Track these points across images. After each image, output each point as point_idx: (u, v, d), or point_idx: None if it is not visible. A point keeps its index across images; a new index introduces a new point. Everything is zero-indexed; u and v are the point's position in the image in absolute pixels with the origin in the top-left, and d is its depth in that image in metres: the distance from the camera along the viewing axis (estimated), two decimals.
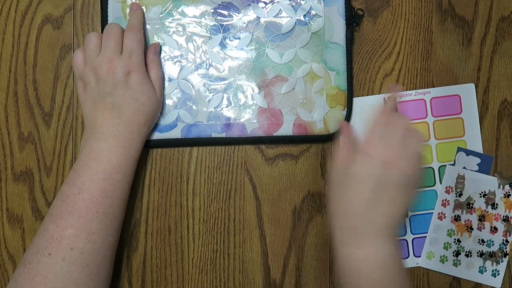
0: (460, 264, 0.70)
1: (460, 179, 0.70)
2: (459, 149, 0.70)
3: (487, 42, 0.72)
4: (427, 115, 0.70)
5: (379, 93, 0.71)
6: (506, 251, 0.71)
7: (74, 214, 0.58)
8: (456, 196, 0.70)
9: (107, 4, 0.69)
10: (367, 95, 0.71)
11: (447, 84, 0.72)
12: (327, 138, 0.71)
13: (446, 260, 0.70)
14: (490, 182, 0.70)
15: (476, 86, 0.72)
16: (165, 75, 0.69)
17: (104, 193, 0.60)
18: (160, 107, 0.67)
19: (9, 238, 0.70)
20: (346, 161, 0.58)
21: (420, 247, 0.70)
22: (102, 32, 0.68)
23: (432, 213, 0.70)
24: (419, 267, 0.71)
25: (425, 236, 0.70)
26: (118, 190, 0.62)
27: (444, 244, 0.70)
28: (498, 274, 0.71)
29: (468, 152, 0.70)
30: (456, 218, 0.70)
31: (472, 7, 0.72)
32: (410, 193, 0.56)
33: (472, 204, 0.70)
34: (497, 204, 0.70)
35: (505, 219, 0.70)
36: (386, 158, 0.55)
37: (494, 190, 0.70)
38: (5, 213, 0.70)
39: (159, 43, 0.68)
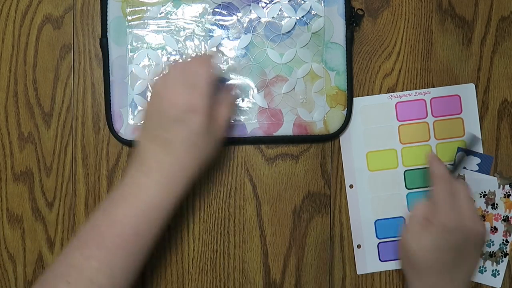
0: None
1: (460, 179, 0.70)
2: (459, 149, 0.70)
3: (487, 42, 0.72)
4: (427, 115, 0.70)
5: (379, 93, 0.71)
6: (506, 251, 0.71)
7: (101, 247, 0.55)
8: None
9: (107, 3, 0.69)
10: (367, 95, 0.71)
11: (447, 84, 0.72)
12: (327, 138, 0.71)
13: None
14: (490, 182, 0.70)
15: (476, 86, 0.72)
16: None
17: (137, 231, 0.57)
18: (217, 150, 0.62)
19: (9, 238, 0.70)
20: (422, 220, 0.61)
21: None
22: (102, 33, 0.68)
23: None
24: None
25: None
26: (152, 228, 0.58)
27: None
28: (498, 274, 0.71)
29: (468, 152, 0.70)
30: None
31: (472, 7, 0.72)
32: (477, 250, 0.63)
33: None
34: (497, 204, 0.70)
35: (505, 219, 0.70)
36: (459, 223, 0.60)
37: (494, 190, 0.70)
38: (5, 213, 0.70)
39: (236, 86, 0.68)
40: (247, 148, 0.71)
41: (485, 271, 0.71)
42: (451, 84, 0.72)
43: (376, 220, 0.70)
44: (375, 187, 0.70)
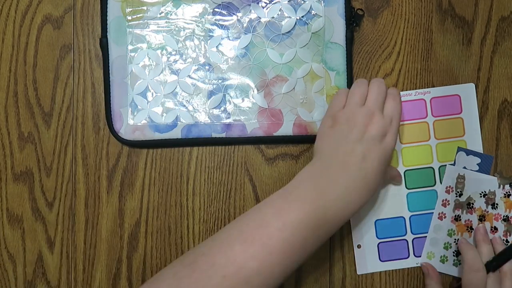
0: (460, 264, 0.70)
1: (460, 179, 0.70)
2: (459, 149, 0.70)
3: (487, 42, 0.72)
4: (427, 115, 0.70)
5: None
6: None
7: (267, 248, 0.52)
8: (456, 196, 0.70)
9: (107, 3, 0.69)
10: None
11: (447, 84, 0.72)
12: None
13: (447, 260, 0.70)
14: (490, 182, 0.70)
15: (476, 86, 0.72)
16: (165, 75, 0.69)
17: (304, 242, 0.54)
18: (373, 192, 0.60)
19: (9, 238, 0.70)
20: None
21: (421, 247, 0.70)
22: (102, 33, 0.68)
23: (432, 213, 0.70)
24: (419, 267, 0.71)
25: (425, 236, 0.70)
26: (317, 241, 0.56)
27: (445, 244, 0.70)
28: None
29: (468, 152, 0.70)
30: (457, 218, 0.70)
31: (472, 7, 0.72)
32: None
33: (472, 204, 0.70)
34: (497, 204, 0.70)
35: (505, 219, 0.70)
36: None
37: (494, 190, 0.70)
38: (5, 213, 0.70)
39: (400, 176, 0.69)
40: (247, 148, 0.71)
41: None
42: (451, 84, 0.72)
43: (376, 220, 0.70)
44: None
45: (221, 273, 0.51)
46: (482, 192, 0.70)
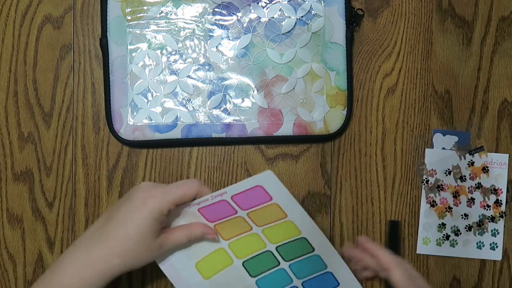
0: (457, 244, 0.71)
1: (422, 165, 0.71)
2: (435, 131, 0.71)
3: (487, 42, 0.72)
4: (236, 212, 0.59)
5: (378, 93, 0.71)
6: (491, 215, 0.71)
7: None
8: (425, 183, 0.71)
9: (107, 3, 0.69)
10: (367, 95, 0.71)
11: (447, 84, 0.72)
12: (327, 138, 0.71)
13: (443, 243, 0.71)
14: (451, 157, 0.71)
15: (476, 86, 0.72)
16: (165, 75, 0.69)
17: None
18: (134, 260, 0.57)
19: (9, 238, 0.70)
20: None
21: None
22: (102, 33, 0.68)
23: None
24: (419, 267, 0.71)
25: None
26: None
27: (438, 226, 0.71)
28: (497, 247, 0.71)
29: (445, 132, 0.70)
30: (432, 204, 0.71)
31: (472, 7, 0.72)
32: None
33: (442, 185, 0.71)
34: (464, 176, 0.71)
35: (478, 186, 0.71)
36: None
37: (457, 163, 0.71)
38: (5, 213, 0.70)
39: (214, 237, 0.61)
40: (247, 148, 0.71)
41: (483, 246, 0.71)
42: (451, 83, 0.72)
43: None
44: None
45: None
46: (447, 170, 0.71)
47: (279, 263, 0.63)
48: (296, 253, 0.63)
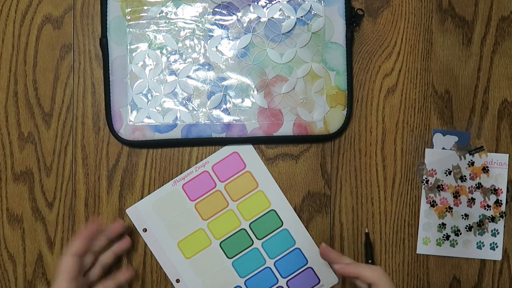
0: (457, 244, 0.70)
1: (421, 165, 0.71)
2: (435, 131, 0.70)
3: (487, 42, 0.72)
4: (215, 184, 0.70)
5: (378, 93, 0.71)
6: (491, 215, 0.71)
7: None
8: (425, 183, 0.71)
9: (107, 3, 0.69)
10: (367, 95, 0.71)
11: (447, 84, 0.72)
12: (327, 138, 0.71)
13: (443, 243, 0.71)
14: (451, 157, 0.70)
15: (476, 86, 0.72)
16: (165, 75, 0.69)
17: None
18: None
19: (9, 238, 0.70)
20: None
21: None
22: (102, 33, 0.68)
23: (269, 272, 0.70)
24: (419, 267, 0.71)
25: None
26: None
27: (438, 226, 0.70)
28: (497, 247, 0.71)
29: (445, 132, 0.70)
30: (432, 204, 0.71)
31: (472, 7, 0.72)
32: None
33: (442, 185, 0.70)
34: (465, 176, 0.71)
35: (479, 186, 0.71)
36: None
37: (457, 163, 0.70)
38: (5, 213, 0.70)
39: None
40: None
41: (483, 246, 0.71)
42: (451, 84, 0.72)
43: None
44: (201, 270, 0.69)
45: None
46: (447, 170, 0.70)
47: (252, 242, 0.70)
48: (267, 229, 0.70)
